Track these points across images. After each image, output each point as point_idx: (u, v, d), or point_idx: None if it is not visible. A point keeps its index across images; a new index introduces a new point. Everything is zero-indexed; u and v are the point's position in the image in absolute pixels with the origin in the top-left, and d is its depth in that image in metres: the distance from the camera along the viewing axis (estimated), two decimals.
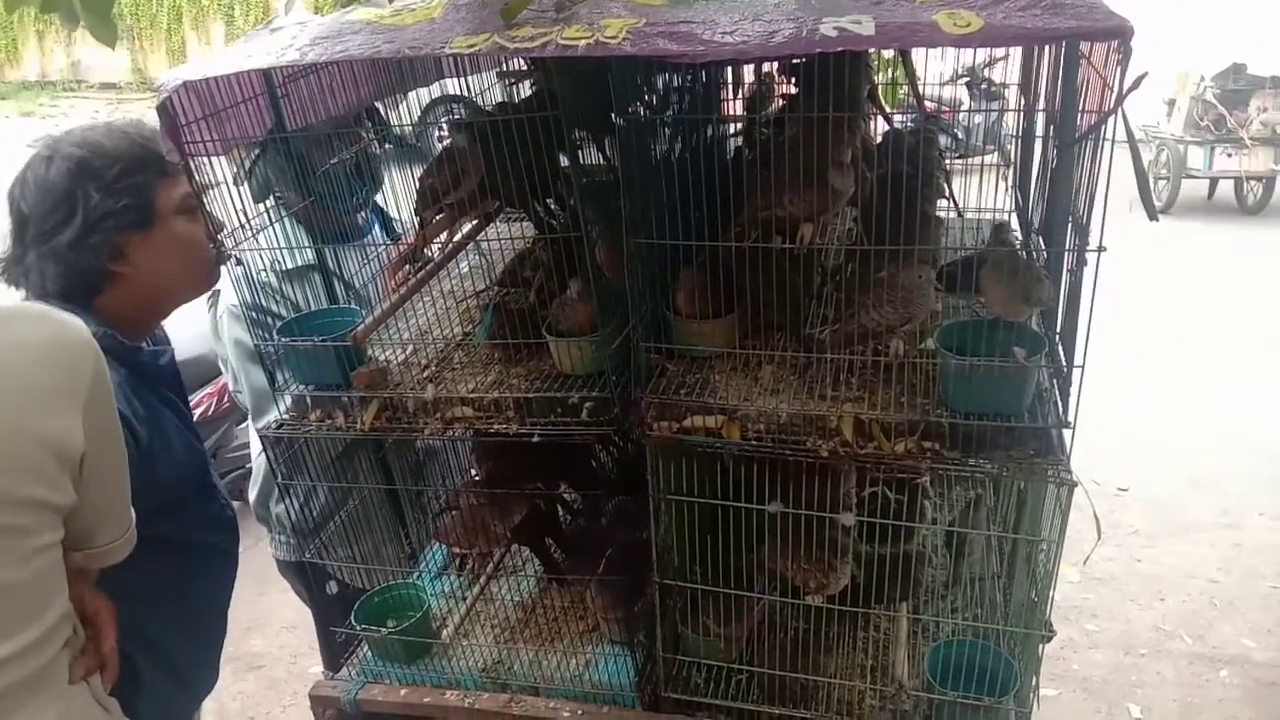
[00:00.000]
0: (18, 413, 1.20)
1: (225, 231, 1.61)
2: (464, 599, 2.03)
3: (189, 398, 1.96)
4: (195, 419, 1.95)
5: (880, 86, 2.02)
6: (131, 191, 1.63)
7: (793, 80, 1.84)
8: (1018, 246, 1.65)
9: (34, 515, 1.24)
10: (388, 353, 1.77)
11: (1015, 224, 1.99)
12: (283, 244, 1.86)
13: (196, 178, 1.53)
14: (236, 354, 2.19)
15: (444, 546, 2.03)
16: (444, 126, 1.80)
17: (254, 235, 1.68)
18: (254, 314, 1.86)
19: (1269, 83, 9.31)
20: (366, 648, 1.89)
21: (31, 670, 1.26)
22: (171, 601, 1.75)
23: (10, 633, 1.23)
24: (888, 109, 2.00)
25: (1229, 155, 9.38)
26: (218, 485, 1.88)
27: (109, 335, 1.63)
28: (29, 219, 1.63)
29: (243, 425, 4.51)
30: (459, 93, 1.95)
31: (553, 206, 1.76)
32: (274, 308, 2.05)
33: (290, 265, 2.03)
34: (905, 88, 2.03)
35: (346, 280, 2.08)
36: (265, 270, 2.01)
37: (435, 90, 2.14)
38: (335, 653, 1.93)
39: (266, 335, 1.76)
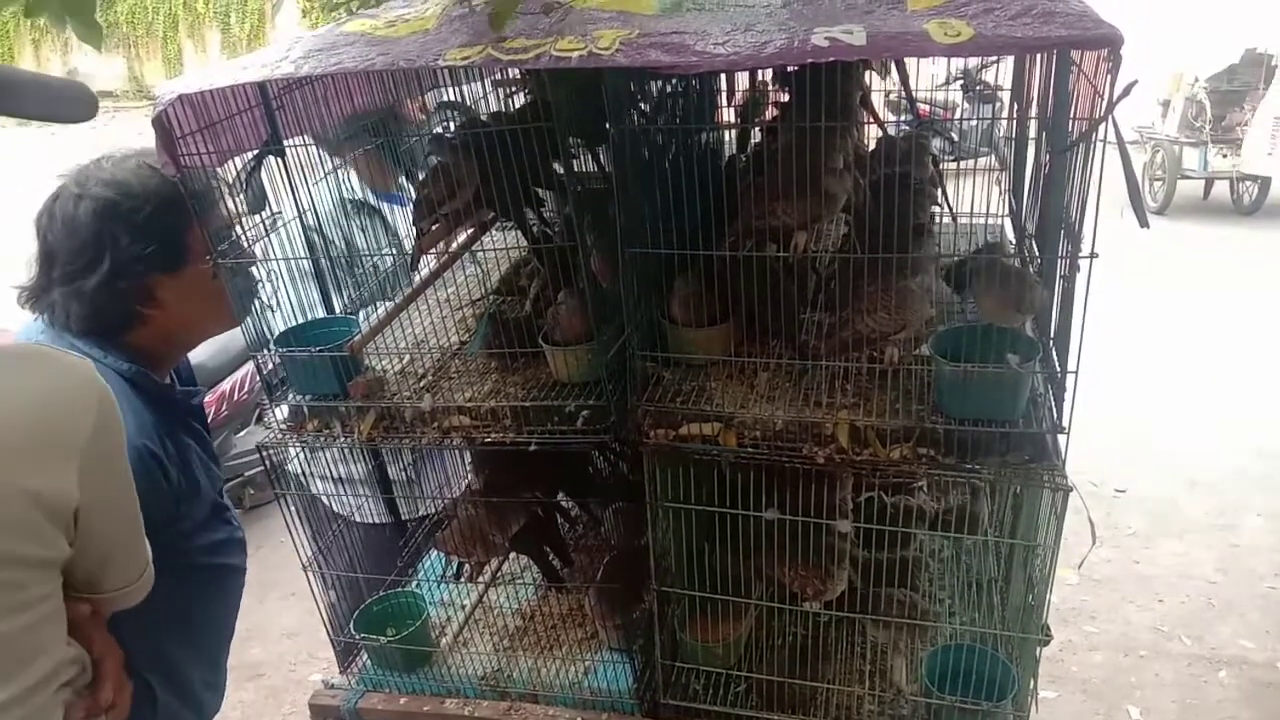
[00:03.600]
0: (2, 470, 1.12)
1: (223, 245, 1.61)
2: (463, 607, 2.03)
3: None
4: None
5: (887, 96, 2.04)
6: (161, 234, 1.58)
7: (785, 88, 1.85)
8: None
9: (23, 571, 1.18)
10: (384, 362, 1.78)
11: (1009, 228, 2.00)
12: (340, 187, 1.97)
13: (227, 207, 1.56)
14: None
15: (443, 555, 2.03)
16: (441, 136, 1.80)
17: (251, 245, 1.68)
18: (310, 235, 1.87)
19: (1264, 77, 9.31)
20: (366, 656, 1.90)
21: (21, 718, 1.20)
22: (186, 625, 1.72)
23: None
24: (889, 117, 2.01)
25: (1224, 156, 9.41)
26: (229, 506, 1.87)
27: (140, 372, 1.60)
28: (56, 255, 1.58)
29: (241, 433, 4.52)
30: (455, 100, 1.96)
31: (547, 216, 1.77)
32: (329, 231, 2.06)
33: (355, 197, 2.07)
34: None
35: (395, 232, 2.25)
36: (328, 200, 2.08)
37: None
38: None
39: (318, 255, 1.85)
